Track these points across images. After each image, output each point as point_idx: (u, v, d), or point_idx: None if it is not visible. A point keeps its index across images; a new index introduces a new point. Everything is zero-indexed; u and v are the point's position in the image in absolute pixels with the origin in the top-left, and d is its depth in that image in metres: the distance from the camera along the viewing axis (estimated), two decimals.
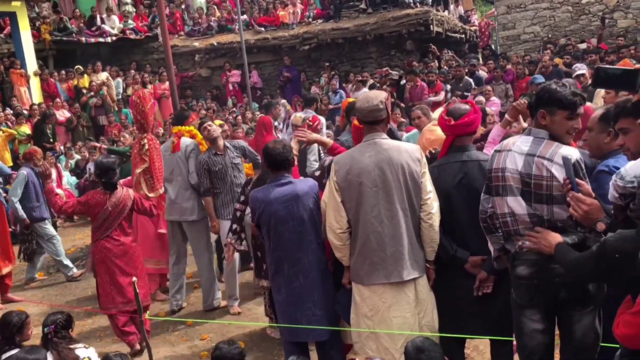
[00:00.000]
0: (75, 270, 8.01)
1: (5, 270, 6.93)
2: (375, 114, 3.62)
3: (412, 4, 15.93)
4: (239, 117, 14.41)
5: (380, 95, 3.71)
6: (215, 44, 17.58)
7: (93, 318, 6.48)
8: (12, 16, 14.47)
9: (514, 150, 3.16)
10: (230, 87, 17.01)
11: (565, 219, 3.03)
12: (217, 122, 7.78)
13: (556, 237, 2.91)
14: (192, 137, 6.46)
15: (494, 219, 3.27)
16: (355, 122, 4.10)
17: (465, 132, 3.68)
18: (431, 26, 15.76)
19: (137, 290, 4.21)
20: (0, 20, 15.83)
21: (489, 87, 11.60)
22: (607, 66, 2.98)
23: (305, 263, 4.04)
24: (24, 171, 7.69)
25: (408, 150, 3.59)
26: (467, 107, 3.74)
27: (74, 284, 7.83)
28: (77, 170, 12.31)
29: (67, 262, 8.01)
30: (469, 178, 3.58)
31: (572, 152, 3.01)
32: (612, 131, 3.15)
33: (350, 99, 8.22)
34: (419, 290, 3.60)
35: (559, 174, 2.97)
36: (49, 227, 7.93)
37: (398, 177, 3.52)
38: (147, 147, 5.77)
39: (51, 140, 12.78)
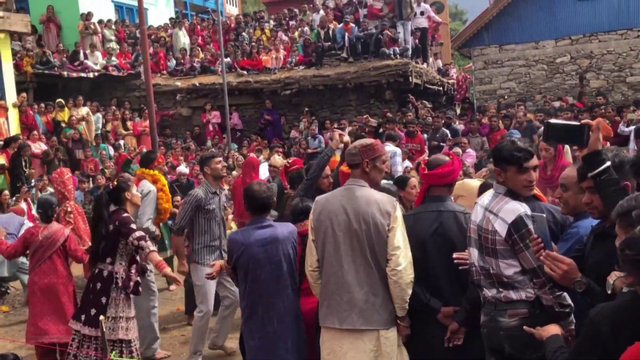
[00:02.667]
0: None
1: None
2: (348, 158, 3.71)
3: (392, 56, 16.25)
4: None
5: (361, 142, 3.72)
6: (197, 84, 17.69)
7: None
8: None
9: (479, 203, 3.27)
10: (211, 128, 17.06)
11: (511, 274, 3.07)
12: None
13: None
14: (154, 181, 6.42)
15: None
16: (343, 167, 4.16)
17: (441, 182, 3.70)
18: (410, 77, 16.05)
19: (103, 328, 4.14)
20: None
21: (465, 139, 11.83)
22: (557, 121, 3.03)
23: (280, 308, 4.01)
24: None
25: (378, 202, 3.50)
26: (446, 158, 3.77)
27: None
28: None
29: None
30: (444, 228, 3.59)
31: (517, 208, 3.04)
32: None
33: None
34: (382, 342, 3.49)
35: (501, 228, 3.04)
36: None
37: (361, 227, 3.48)
38: (70, 211, 6.85)
39: (26, 172, 12.60)
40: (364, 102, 16.66)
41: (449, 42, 27.35)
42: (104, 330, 4.32)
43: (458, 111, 18.10)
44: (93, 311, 4.93)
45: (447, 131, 12.62)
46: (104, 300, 4.94)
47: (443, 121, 13.11)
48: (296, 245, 4.06)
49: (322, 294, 3.67)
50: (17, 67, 15.51)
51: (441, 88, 19.17)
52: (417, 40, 17.53)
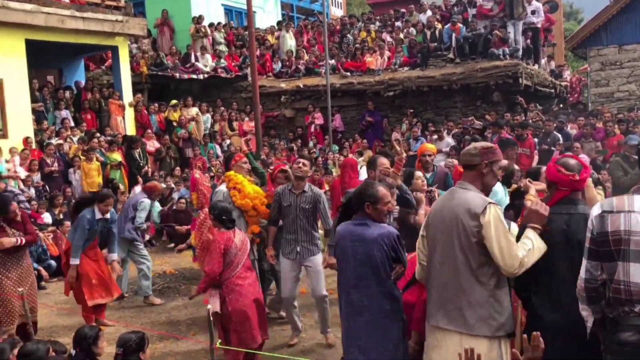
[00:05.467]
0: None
1: (101, 301, 7.21)
2: (466, 158, 3.64)
3: (501, 56, 15.84)
4: (319, 159, 14.69)
5: (481, 144, 3.70)
6: (302, 86, 18.05)
7: (164, 342, 6.65)
8: (114, 50, 15.43)
9: (637, 211, 2.95)
10: (313, 129, 17.36)
11: None
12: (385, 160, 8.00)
13: None
14: (229, 181, 6.69)
15: (601, 287, 3.08)
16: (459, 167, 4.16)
17: (582, 186, 3.61)
18: (520, 79, 15.57)
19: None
20: (103, 53, 16.94)
21: (577, 144, 11.32)
22: None
23: (358, 306, 4.10)
24: (146, 200, 8.45)
25: (469, 203, 3.45)
26: (576, 161, 3.61)
27: (150, 307, 8.10)
28: (161, 199, 12.81)
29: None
30: (572, 230, 3.42)
31: None
32: None
33: (428, 145, 8.24)
34: (463, 347, 3.38)
35: None
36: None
37: (451, 228, 3.49)
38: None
39: (141, 164, 13.40)
40: (470, 103, 16.34)
41: (562, 43, 26.24)
42: (211, 318, 4.53)
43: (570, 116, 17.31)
44: None
45: (559, 135, 12.13)
46: None
47: (555, 125, 12.61)
48: (388, 248, 4.06)
49: (427, 291, 3.79)
50: (133, 68, 16.52)
51: (553, 90, 18.43)
52: (528, 41, 16.97)
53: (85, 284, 6.96)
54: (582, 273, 3.14)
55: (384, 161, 5.69)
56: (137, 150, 13.47)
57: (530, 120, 14.13)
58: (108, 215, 7.16)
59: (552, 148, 11.55)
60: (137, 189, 12.37)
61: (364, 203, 4.17)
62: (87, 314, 6.89)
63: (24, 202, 10.17)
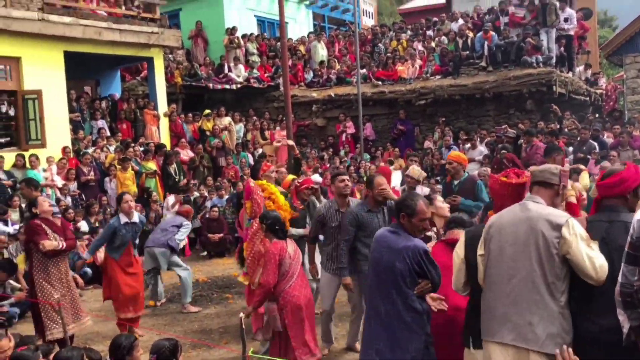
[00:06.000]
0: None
1: (131, 316, 7.24)
2: (544, 175, 3.61)
3: (534, 64, 15.63)
4: (351, 167, 14.65)
5: (559, 167, 3.75)
6: (333, 95, 18.06)
7: (197, 350, 6.68)
8: (150, 61, 15.69)
9: None
10: (344, 138, 17.35)
11: None
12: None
13: None
14: (262, 190, 6.54)
15: (636, 293, 3.01)
16: (502, 177, 4.01)
17: (612, 192, 3.49)
18: (554, 87, 15.34)
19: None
20: (138, 64, 17.22)
21: (614, 153, 11.09)
22: None
23: (379, 311, 4.14)
24: (189, 223, 9.08)
25: (550, 215, 3.40)
26: (618, 168, 3.57)
27: (183, 315, 8.15)
28: (195, 207, 12.91)
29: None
30: (610, 238, 3.37)
31: None
32: None
33: (454, 153, 8.13)
34: None
35: None
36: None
37: (527, 240, 3.39)
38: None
39: (177, 179, 13.52)
40: (503, 112, 16.16)
41: (597, 50, 25.83)
42: (243, 327, 4.53)
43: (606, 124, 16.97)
44: None
45: (595, 143, 11.90)
46: None
47: (590, 133, 12.38)
48: (411, 262, 4.00)
49: (482, 304, 3.63)
50: (168, 79, 16.74)
51: (588, 98, 18.09)
52: (562, 48, 16.72)
53: (116, 297, 7.05)
54: (620, 277, 3.09)
55: (381, 181, 5.76)
56: (173, 166, 13.61)
57: (565, 129, 13.90)
58: (136, 219, 7.17)
59: (588, 156, 11.35)
60: (171, 199, 12.52)
61: (400, 212, 4.16)
62: (121, 322, 6.97)
63: (58, 214, 10.29)
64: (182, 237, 8.77)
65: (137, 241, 7.44)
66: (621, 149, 11.65)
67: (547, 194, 3.56)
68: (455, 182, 7.01)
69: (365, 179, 6.21)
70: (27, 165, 11.83)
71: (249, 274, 5.93)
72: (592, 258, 3.24)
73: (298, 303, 5.24)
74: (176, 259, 8.56)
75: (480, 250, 3.67)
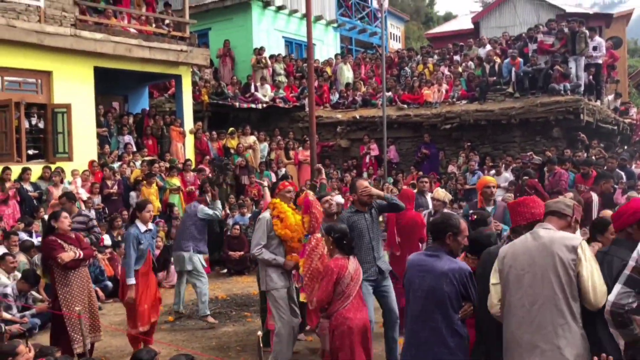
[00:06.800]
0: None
1: (145, 329, 7.23)
2: (559, 206, 3.74)
3: (562, 92, 15.52)
4: None
5: (574, 201, 3.86)
6: (358, 117, 18.10)
7: None
8: (178, 79, 15.89)
9: None
10: (367, 159, 17.33)
11: None
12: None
13: None
14: (273, 209, 6.56)
15: (630, 313, 3.14)
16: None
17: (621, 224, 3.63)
18: (581, 115, 15.20)
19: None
20: (166, 81, 17.45)
21: None
22: None
23: (420, 337, 4.05)
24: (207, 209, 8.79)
25: (564, 237, 3.50)
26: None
27: (201, 332, 8.13)
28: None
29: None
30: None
31: None
32: None
33: (489, 177, 8.09)
34: None
35: None
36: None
37: (545, 266, 3.45)
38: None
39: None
40: (529, 138, 16.04)
41: (626, 79, 25.57)
42: (261, 345, 4.49)
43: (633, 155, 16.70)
44: None
45: (622, 173, 11.70)
46: None
47: (617, 162, 12.18)
48: (458, 284, 3.97)
49: (505, 333, 3.66)
50: (195, 97, 16.91)
51: (616, 127, 17.88)
52: (590, 77, 16.58)
53: (130, 312, 6.98)
54: (611, 296, 3.22)
55: (363, 183, 6.05)
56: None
57: (592, 157, 13.73)
58: (151, 226, 7.13)
59: (615, 186, 11.15)
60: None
61: (446, 233, 4.11)
62: (135, 335, 6.93)
63: (96, 228, 10.41)
64: (211, 213, 8.67)
65: (155, 250, 7.47)
66: None
67: (559, 224, 3.66)
68: (489, 208, 6.99)
69: (349, 184, 6.54)
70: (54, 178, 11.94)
71: (306, 293, 5.73)
72: (595, 284, 3.36)
73: (350, 326, 4.96)
74: (197, 264, 8.53)
75: (493, 279, 3.75)
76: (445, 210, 7.50)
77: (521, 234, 3.82)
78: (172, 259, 9.63)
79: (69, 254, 6.23)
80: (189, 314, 8.96)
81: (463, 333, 4.00)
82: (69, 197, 9.66)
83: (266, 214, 6.52)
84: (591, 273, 3.37)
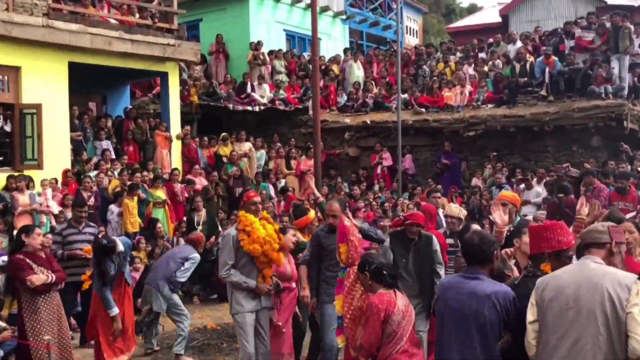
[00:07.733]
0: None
1: (123, 358, 7.18)
2: (593, 235, 3.82)
3: (603, 95, 15.52)
4: (387, 204, 14.56)
5: (609, 223, 3.98)
6: (369, 122, 18.11)
7: None
8: (164, 77, 15.88)
9: None
10: (379, 170, 17.30)
11: None
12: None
13: None
14: (240, 222, 6.65)
15: None
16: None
17: None
18: (625, 122, 15.19)
19: None
20: (151, 80, 17.48)
21: None
22: None
23: None
24: (197, 255, 8.74)
25: (617, 274, 3.57)
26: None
27: None
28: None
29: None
30: None
31: None
32: None
33: (506, 192, 8.04)
34: None
35: None
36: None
37: (593, 302, 3.50)
38: None
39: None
40: (565, 148, 16.04)
41: None
42: None
43: None
44: None
45: None
46: None
47: None
48: (502, 309, 4.05)
49: None
50: (183, 97, 16.89)
51: None
52: (635, 78, 16.58)
53: (105, 339, 6.96)
54: None
55: (333, 207, 6.67)
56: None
57: (637, 169, 13.70)
58: (120, 247, 7.01)
59: None
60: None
61: (493, 254, 4.28)
62: None
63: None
64: (185, 276, 8.55)
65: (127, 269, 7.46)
66: None
67: (600, 254, 3.73)
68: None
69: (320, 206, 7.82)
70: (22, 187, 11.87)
71: (346, 336, 5.46)
72: None
73: None
74: (177, 300, 8.44)
75: (530, 317, 3.81)
76: (474, 225, 7.45)
77: (542, 262, 3.95)
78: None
79: (39, 276, 6.19)
80: (171, 344, 8.86)
81: None
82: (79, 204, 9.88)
83: (231, 230, 6.59)
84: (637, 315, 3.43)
